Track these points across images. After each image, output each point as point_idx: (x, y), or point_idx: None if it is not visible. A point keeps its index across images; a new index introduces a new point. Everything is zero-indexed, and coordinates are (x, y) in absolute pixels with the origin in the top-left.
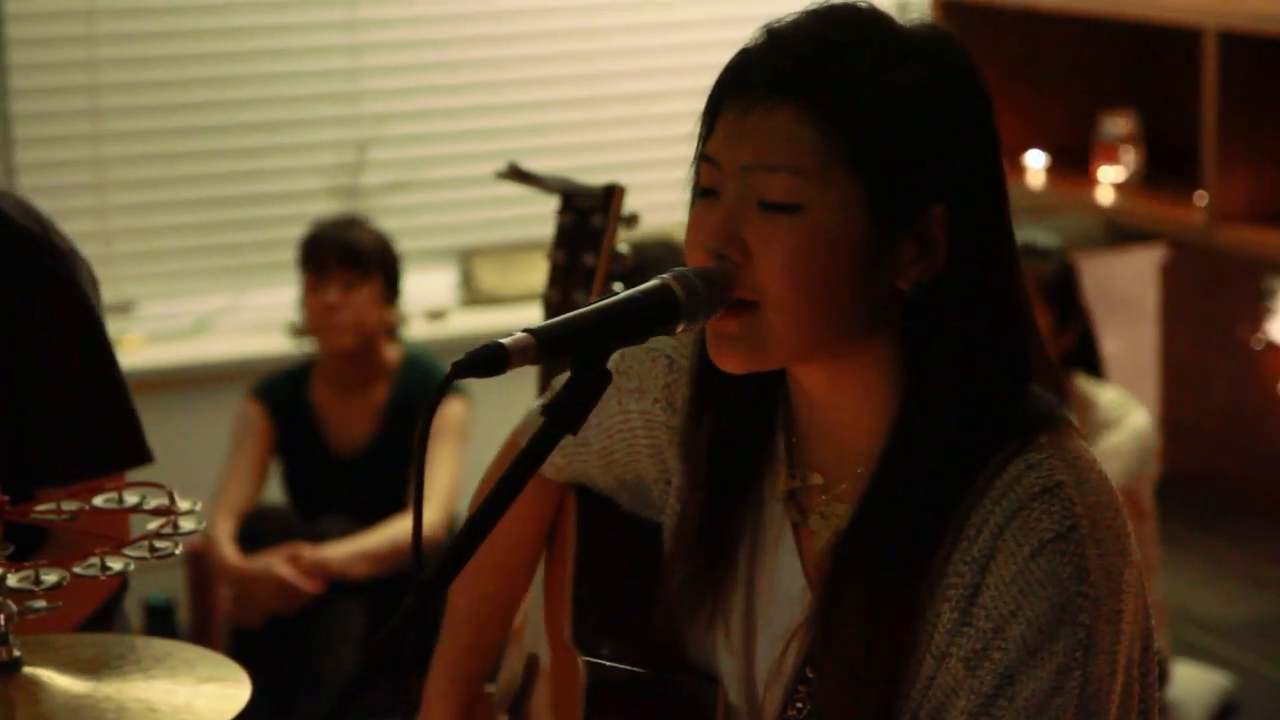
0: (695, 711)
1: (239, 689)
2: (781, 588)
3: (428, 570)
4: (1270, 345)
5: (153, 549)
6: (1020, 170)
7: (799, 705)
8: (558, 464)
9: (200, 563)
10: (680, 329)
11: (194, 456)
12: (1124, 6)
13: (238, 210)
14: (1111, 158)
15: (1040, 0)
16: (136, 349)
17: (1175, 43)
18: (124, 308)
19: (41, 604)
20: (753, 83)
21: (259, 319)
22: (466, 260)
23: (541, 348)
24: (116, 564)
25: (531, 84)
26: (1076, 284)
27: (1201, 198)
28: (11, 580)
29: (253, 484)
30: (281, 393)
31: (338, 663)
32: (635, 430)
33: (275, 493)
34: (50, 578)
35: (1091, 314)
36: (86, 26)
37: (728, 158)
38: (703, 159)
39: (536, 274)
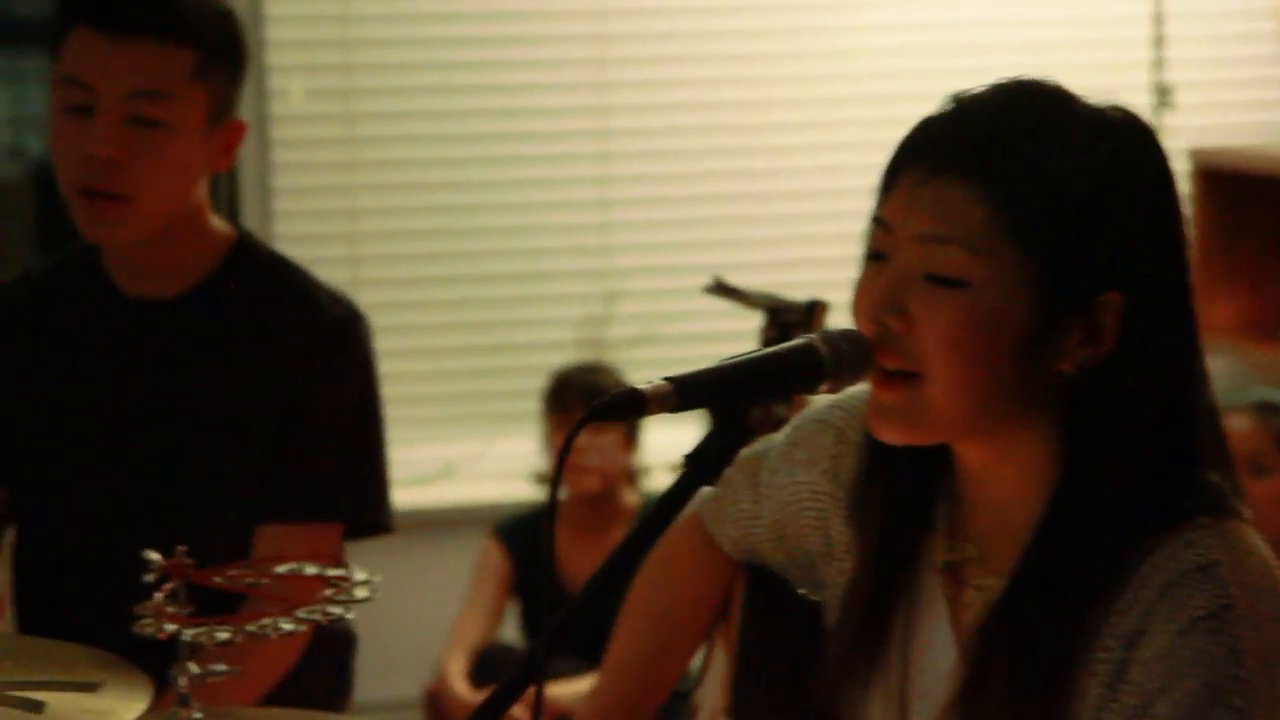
0: None
1: None
2: (935, 661)
3: (561, 614)
4: None
5: (325, 612)
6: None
7: None
8: (732, 536)
9: (438, 702)
10: (823, 389)
11: (435, 597)
12: None
13: (485, 359)
14: None
15: (1266, 165)
16: None
17: None
18: None
19: (221, 667)
20: (932, 153)
21: (504, 467)
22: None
23: (681, 396)
24: (288, 625)
25: (781, 242)
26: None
27: None
28: (187, 635)
29: (488, 621)
30: (522, 533)
31: None
32: (803, 501)
33: (511, 633)
34: (223, 635)
35: None
36: (347, 176)
37: (900, 224)
38: (875, 221)
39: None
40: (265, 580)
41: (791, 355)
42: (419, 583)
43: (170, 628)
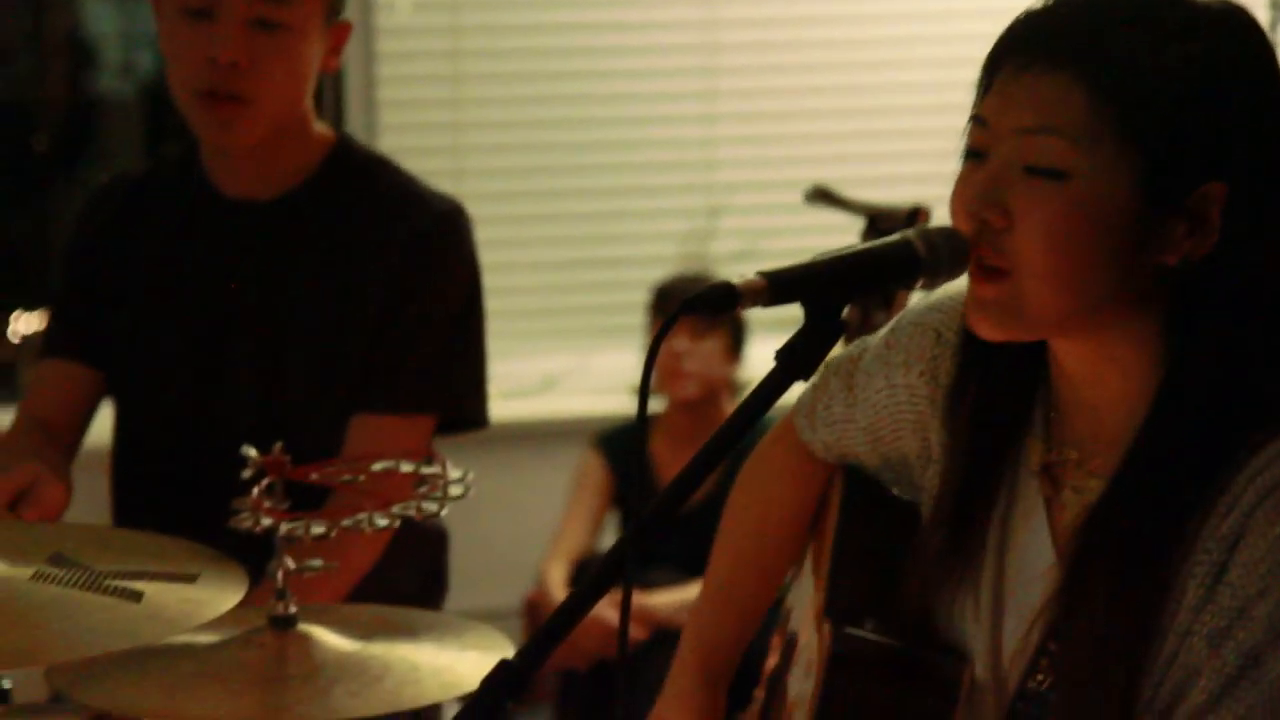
0: (940, 685)
1: (503, 655)
2: (1031, 562)
3: (651, 503)
4: None
5: (419, 508)
6: None
7: (1039, 678)
8: (826, 441)
9: (538, 610)
10: (919, 285)
11: (535, 508)
12: None
13: (588, 273)
14: None
15: None
16: None
17: None
18: None
19: (318, 562)
20: (1029, 46)
21: (604, 381)
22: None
23: (774, 291)
24: (383, 520)
25: (885, 157)
26: None
27: None
28: (283, 529)
29: (588, 532)
30: (623, 444)
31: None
32: (900, 404)
33: (611, 543)
34: (319, 529)
35: None
36: (452, 90)
37: (997, 119)
38: (974, 120)
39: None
40: (362, 477)
41: (887, 251)
42: (520, 494)
43: (266, 522)
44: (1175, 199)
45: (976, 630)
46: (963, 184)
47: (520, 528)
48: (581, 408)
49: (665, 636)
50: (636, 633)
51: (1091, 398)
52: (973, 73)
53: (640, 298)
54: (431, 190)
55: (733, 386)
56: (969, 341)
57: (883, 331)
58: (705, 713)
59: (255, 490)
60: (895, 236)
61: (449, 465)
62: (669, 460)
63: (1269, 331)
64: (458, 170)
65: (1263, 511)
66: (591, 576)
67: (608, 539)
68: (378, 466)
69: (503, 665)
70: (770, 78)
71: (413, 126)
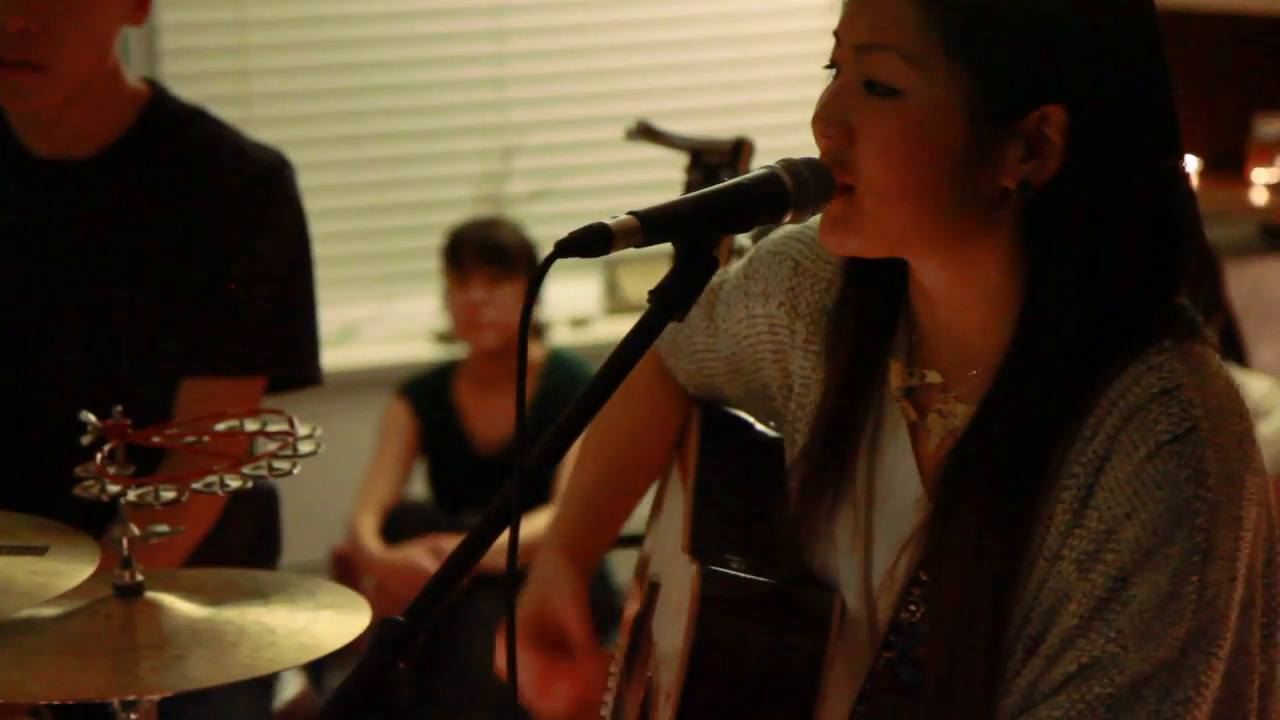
0: (812, 619)
1: (357, 615)
2: (897, 489)
3: (532, 450)
4: None
5: (271, 468)
6: None
7: (912, 608)
8: (687, 369)
9: (345, 563)
10: (788, 218)
11: (339, 459)
12: (1279, 3)
13: (383, 219)
14: (1267, 160)
15: (1193, 1)
16: None
17: None
18: None
19: (164, 528)
20: None
21: (404, 327)
22: (610, 268)
23: (647, 230)
24: (234, 482)
25: (678, 92)
26: (1218, 276)
27: None
28: (131, 495)
29: (397, 480)
30: (427, 391)
31: (479, 650)
32: (760, 334)
33: (420, 491)
34: (169, 494)
35: (1235, 308)
36: (238, 36)
37: (845, 34)
38: (834, 34)
39: None
40: (205, 438)
41: (756, 185)
42: (324, 444)
43: (113, 488)
44: (1007, 120)
45: (848, 559)
46: (820, 100)
47: (324, 479)
48: (382, 356)
49: (481, 580)
50: None
51: (952, 321)
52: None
53: (436, 242)
54: (254, 142)
55: (533, 329)
56: (850, 264)
57: (741, 261)
58: (579, 589)
59: (98, 456)
60: (762, 170)
61: (296, 421)
62: (473, 407)
63: (1120, 255)
64: (245, 119)
65: (1126, 434)
66: (479, 524)
67: (416, 488)
68: (221, 427)
69: (391, 623)
70: (558, 14)
71: (197, 76)
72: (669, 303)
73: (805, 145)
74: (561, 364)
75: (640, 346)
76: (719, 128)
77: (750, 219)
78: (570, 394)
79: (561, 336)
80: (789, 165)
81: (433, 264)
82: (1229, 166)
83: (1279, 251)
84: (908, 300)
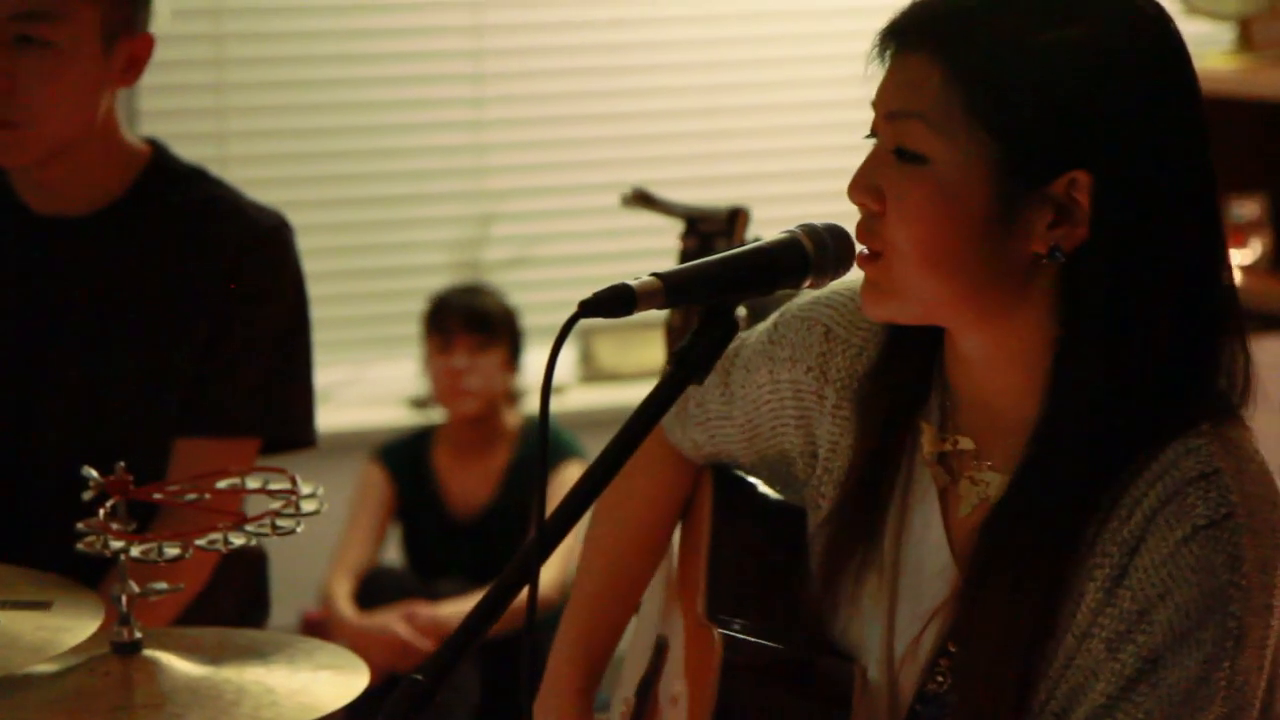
0: (831, 687)
1: (357, 676)
2: (925, 555)
3: (549, 516)
4: None
5: (275, 526)
6: None
7: (939, 679)
8: (698, 441)
9: (316, 627)
10: (808, 283)
11: (312, 522)
12: (1252, 87)
13: (360, 283)
14: (1239, 242)
15: None
16: None
17: None
18: None
19: (163, 585)
20: (903, 28)
21: (379, 391)
22: (586, 337)
23: (669, 292)
24: (238, 539)
25: (654, 162)
26: (1250, 360)
27: None
28: (135, 551)
29: (372, 545)
30: (403, 456)
31: None
32: (784, 400)
33: (394, 557)
34: (173, 550)
35: None
36: (215, 100)
37: (878, 101)
38: (872, 105)
39: (654, 351)
40: (207, 495)
41: (777, 249)
42: None
43: (116, 544)
44: (1034, 187)
45: (872, 626)
46: (859, 168)
47: (297, 542)
48: (357, 420)
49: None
50: (429, 645)
51: (988, 388)
52: (734, 76)
53: (415, 307)
54: (255, 203)
55: (512, 397)
56: (889, 332)
57: (763, 326)
58: (585, 715)
59: (101, 512)
60: (783, 235)
61: (299, 480)
62: (450, 473)
63: (1153, 328)
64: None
65: (1163, 516)
66: (495, 586)
67: (390, 553)
68: (222, 484)
69: (412, 684)
70: (538, 83)
71: (175, 138)
72: (690, 365)
73: (787, 218)
74: (537, 431)
75: (662, 407)
76: (697, 198)
77: (771, 283)
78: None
79: (537, 404)
80: (810, 230)
81: (410, 329)
82: None
83: (1254, 332)
84: (941, 364)
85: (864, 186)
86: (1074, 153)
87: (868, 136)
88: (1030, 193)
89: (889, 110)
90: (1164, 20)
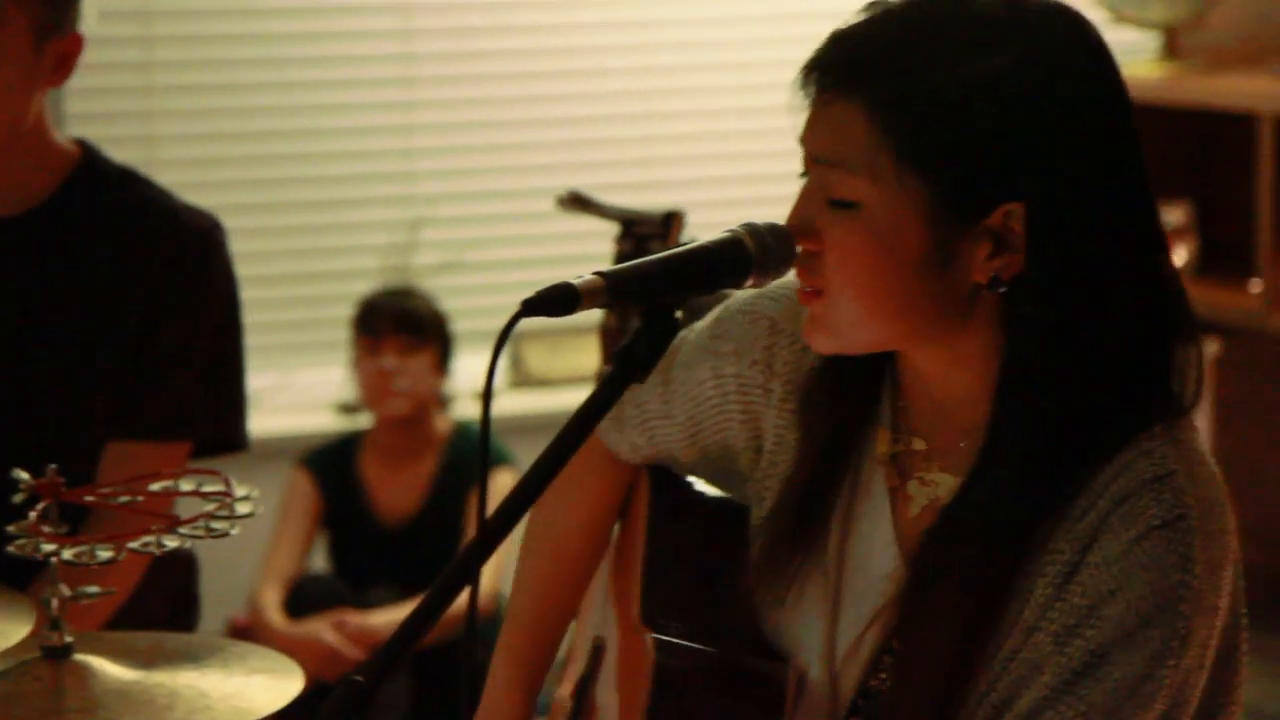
0: (764, 691)
1: (291, 680)
2: (873, 555)
3: (489, 517)
4: None
5: (209, 528)
6: None
7: (882, 675)
8: (636, 443)
9: (242, 634)
10: (749, 282)
11: (241, 529)
12: (1178, 95)
13: (288, 288)
14: None
15: None
16: None
17: (1230, 130)
18: None
19: (95, 589)
20: (823, 70)
21: (307, 397)
22: (516, 342)
23: (611, 290)
24: (172, 541)
25: (584, 168)
26: (1202, 364)
27: (1256, 284)
28: (67, 554)
29: (300, 552)
30: (331, 463)
31: None
32: (729, 394)
33: (322, 564)
34: (105, 554)
35: None
36: (144, 103)
37: (805, 143)
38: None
39: (585, 356)
40: (140, 498)
41: (719, 248)
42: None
43: (48, 547)
44: (969, 222)
45: (813, 624)
46: (793, 205)
47: (223, 549)
48: (284, 426)
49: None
50: (359, 654)
51: (938, 392)
52: (668, 81)
53: (344, 312)
54: (187, 204)
55: (442, 402)
56: None
57: (703, 323)
58: None
59: (32, 514)
60: (725, 234)
61: (233, 482)
62: (378, 480)
63: (1104, 344)
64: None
65: (1117, 516)
66: (434, 589)
67: (319, 561)
68: (155, 487)
69: (351, 684)
70: (469, 87)
71: (103, 141)
72: (632, 364)
73: (722, 222)
74: (466, 437)
75: (601, 409)
76: (631, 203)
77: (714, 282)
78: (475, 468)
79: (467, 411)
80: (752, 229)
81: (338, 334)
82: None
83: None
84: (894, 366)
85: (800, 228)
86: (1006, 185)
87: (802, 175)
88: (967, 226)
89: (815, 155)
90: (1087, 34)
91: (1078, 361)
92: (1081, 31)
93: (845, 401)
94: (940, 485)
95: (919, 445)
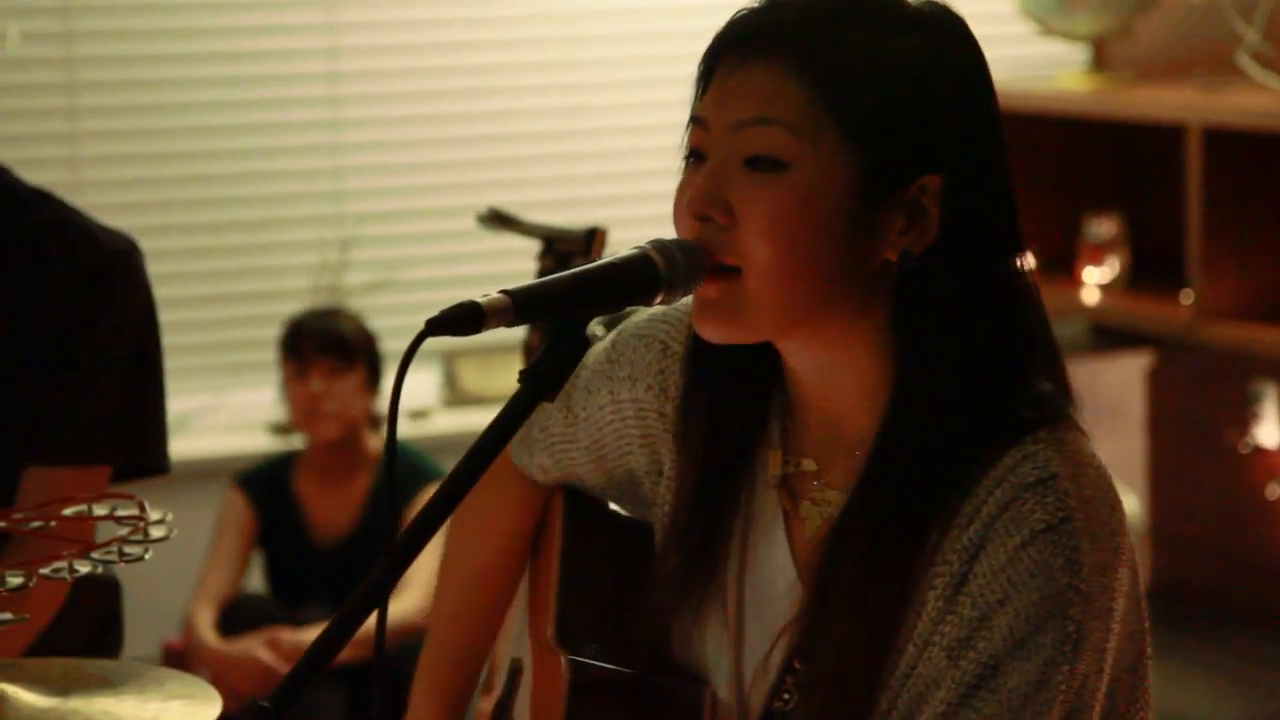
0: (680, 712)
1: (209, 706)
2: (771, 578)
3: (398, 538)
4: (1258, 449)
5: (122, 553)
6: None
7: (785, 697)
8: (545, 465)
9: (177, 656)
10: (659, 299)
11: (171, 550)
12: (1107, 107)
13: (218, 309)
14: (1097, 260)
15: (1023, 103)
16: None
17: (1159, 142)
18: None
19: (7, 616)
20: (745, 40)
21: (239, 418)
22: (449, 360)
23: (519, 309)
24: (84, 567)
25: (513, 185)
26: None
27: (1187, 296)
28: None
29: (234, 572)
30: (265, 483)
31: None
32: (627, 419)
33: (257, 584)
34: (15, 580)
35: None
36: (69, 124)
37: (716, 117)
38: (693, 121)
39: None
40: (53, 523)
41: (627, 265)
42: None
43: None
44: (891, 191)
45: (717, 650)
46: (685, 187)
47: (157, 571)
48: (217, 447)
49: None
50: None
51: (826, 406)
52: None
53: (274, 333)
54: (103, 226)
55: (373, 420)
56: (698, 351)
57: (600, 346)
58: None
59: None
60: (633, 250)
61: (147, 506)
62: (312, 499)
63: (997, 333)
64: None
65: (1001, 522)
66: (343, 611)
67: (254, 581)
68: (69, 511)
69: (256, 708)
70: (395, 106)
71: (27, 163)
72: (540, 380)
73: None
74: (400, 456)
75: (511, 426)
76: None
77: (623, 299)
78: (407, 486)
79: (400, 429)
80: (660, 246)
81: (269, 355)
82: (1060, 267)
83: (1110, 350)
84: (782, 386)
85: (710, 200)
86: (927, 157)
87: (690, 156)
88: (888, 197)
89: (738, 120)
90: (968, 30)
91: (969, 347)
92: (967, 31)
93: (729, 423)
94: (833, 504)
95: (809, 465)
